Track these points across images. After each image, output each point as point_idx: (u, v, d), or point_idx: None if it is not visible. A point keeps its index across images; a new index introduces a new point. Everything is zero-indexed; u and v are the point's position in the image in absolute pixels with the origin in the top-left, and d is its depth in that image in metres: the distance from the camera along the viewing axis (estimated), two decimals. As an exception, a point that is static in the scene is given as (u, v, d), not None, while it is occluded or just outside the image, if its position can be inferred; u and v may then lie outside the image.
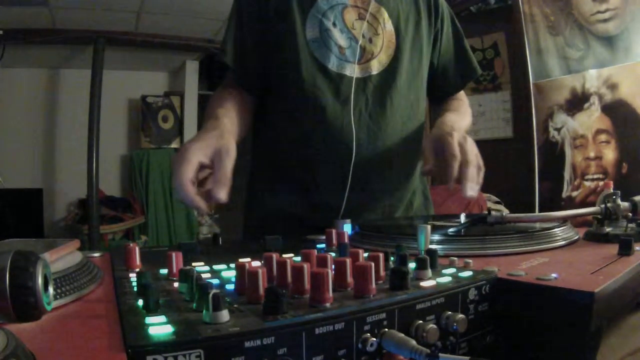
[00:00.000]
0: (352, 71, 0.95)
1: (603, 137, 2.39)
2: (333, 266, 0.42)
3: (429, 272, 0.45)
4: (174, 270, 0.48)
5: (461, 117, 1.03)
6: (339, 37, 0.95)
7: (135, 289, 0.43)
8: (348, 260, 0.41)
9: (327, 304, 0.35)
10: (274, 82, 0.98)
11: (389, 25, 1.00)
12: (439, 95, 1.13)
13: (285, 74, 0.95)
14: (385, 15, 0.99)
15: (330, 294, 0.36)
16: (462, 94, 1.15)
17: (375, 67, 0.97)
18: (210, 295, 0.32)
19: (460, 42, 1.11)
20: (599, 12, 2.37)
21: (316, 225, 0.86)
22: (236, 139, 0.83)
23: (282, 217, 0.98)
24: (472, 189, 0.73)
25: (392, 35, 0.99)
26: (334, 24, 0.95)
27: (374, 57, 0.97)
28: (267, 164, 1.05)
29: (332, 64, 0.94)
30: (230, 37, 0.97)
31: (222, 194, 0.68)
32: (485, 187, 0.96)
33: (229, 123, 0.85)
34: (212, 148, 0.71)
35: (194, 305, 0.36)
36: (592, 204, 0.71)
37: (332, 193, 0.95)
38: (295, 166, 0.98)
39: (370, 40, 0.97)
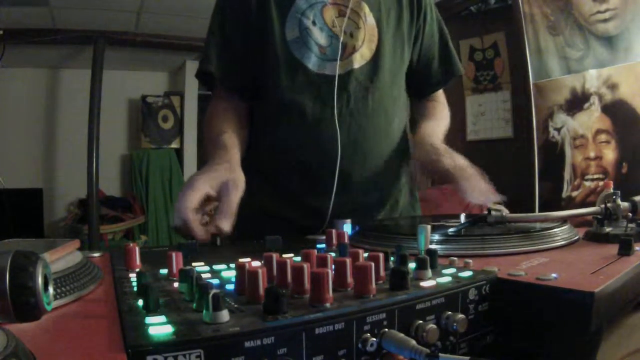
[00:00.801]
0: (333, 69, 0.93)
1: (603, 137, 2.39)
2: (333, 266, 0.42)
3: (429, 272, 0.45)
4: (174, 270, 0.48)
5: (437, 122, 1.04)
6: (319, 36, 0.93)
7: (135, 289, 0.43)
8: (348, 260, 0.41)
9: (327, 304, 0.35)
10: (258, 83, 0.97)
11: (370, 19, 0.97)
12: (420, 93, 1.11)
13: (265, 76, 0.94)
14: (366, 9, 0.97)
15: (330, 294, 0.36)
16: (439, 94, 1.13)
17: (357, 60, 0.95)
18: (210, 295, 0.32)
19: (445, 40, 1.09)
20: (599, 12, 2.37)
21: (304, 226, 0.85)
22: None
23: (268, 219, 0.96)
24: (484, 196, 0.80)
25: (374, 29, 0.97)
26: (314, 23, 0.93)
27: (356, 50, 0.95)
28: (251, 165, 1.04)
29: (313, 65, 0.92)
30: (213, 42, 0.96)
31: (226, 225, 0.69)
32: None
33: (236, 152, 0.85)
34: (220, 180, 0.72)
35: (194, 305, 0.36)
36: (592, 204, 0.71)
37: (317, 195, 0.93)
38: (279, 168, 0.97)
39: (352, 35, 0.95)
